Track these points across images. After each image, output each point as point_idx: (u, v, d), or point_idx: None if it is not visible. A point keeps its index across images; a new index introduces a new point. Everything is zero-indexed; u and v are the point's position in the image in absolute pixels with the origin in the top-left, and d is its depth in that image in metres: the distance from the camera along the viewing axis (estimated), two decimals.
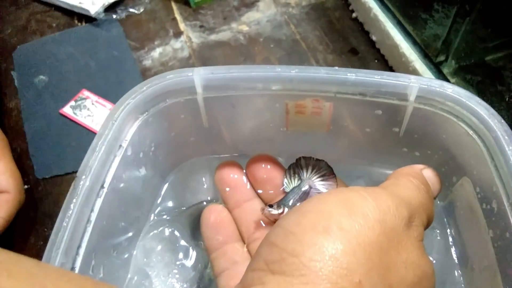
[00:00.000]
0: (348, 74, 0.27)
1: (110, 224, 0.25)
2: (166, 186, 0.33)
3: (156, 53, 0.53)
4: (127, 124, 0.26)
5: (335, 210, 0.19)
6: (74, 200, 0.22)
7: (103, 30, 0.54)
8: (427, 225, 0.23)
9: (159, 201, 0.32)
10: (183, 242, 0.30)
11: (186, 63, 0.53)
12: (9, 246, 0.40)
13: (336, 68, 0.27)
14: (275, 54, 0.53)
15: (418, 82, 0.26)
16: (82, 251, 0.22)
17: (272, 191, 0.31)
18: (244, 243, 0.29)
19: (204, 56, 0.53)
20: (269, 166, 0.31)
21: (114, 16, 0.55)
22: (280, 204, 0.28)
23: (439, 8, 0.45)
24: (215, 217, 0.29)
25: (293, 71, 0.27)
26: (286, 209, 0.28)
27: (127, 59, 0.52)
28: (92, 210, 0.23)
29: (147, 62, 0.52)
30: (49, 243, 0.21)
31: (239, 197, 0.30)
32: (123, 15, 0.56)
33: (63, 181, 0.42)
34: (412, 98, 0.27)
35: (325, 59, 0.53)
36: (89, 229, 0.23)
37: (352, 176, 0.33)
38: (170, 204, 0.32)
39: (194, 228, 0.31)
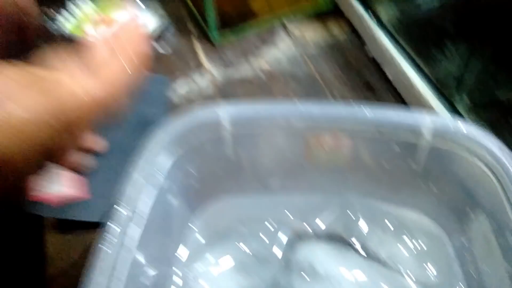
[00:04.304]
0: (367, 112, 0.29)
1: (145, 249, 0.27)
2: (195, 219, 0.34)
3: (182, 90, 0.57)
4: (160, 156, 0.28)
5: None
6: (115, 226, 0.24)
7: (148, 85, 0.56)
8: None
9: (187, 233, 0.34)
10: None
11: (210, 98, 0.56)
12: None
13: (355, 106, 0.29)
14: (294, 90, 0.56)
15: (434, 120, 0.28)
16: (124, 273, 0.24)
17: None
18: None
19: (226, 92, 0.56)
20: None
21: None
22: None
23: (452, 48, 0.47)
24: None
25: (315, 108, 0.29)
26: None
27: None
28: (124, 236, 0.25)
29: (174, 98, 0.55)
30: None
31: None
32: (151, 54, 0.60)
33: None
34: (428, 135, 0.29)
35: (342, 95, 0.55)
36: (124, 251, 0.24)
37: (376, 215, 0.34)
38: (198, 238, 0.34)
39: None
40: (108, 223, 0.24)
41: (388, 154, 0.31)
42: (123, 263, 0.24)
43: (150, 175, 0.27)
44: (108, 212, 0.25)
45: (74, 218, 0.37)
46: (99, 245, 0.23)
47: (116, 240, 0.24)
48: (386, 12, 0.55)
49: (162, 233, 0.30)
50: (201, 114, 0.29)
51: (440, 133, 0.29)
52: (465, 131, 0.28)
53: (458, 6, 0.48)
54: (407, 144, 0.30)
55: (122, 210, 0.25)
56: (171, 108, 0.53)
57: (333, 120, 0.29)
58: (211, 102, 0.56)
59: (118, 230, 0.24)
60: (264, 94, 0.56)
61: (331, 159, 0.32)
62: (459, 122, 0.28)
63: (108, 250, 0.23)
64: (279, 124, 0.30)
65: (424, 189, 0.33)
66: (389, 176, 0.33)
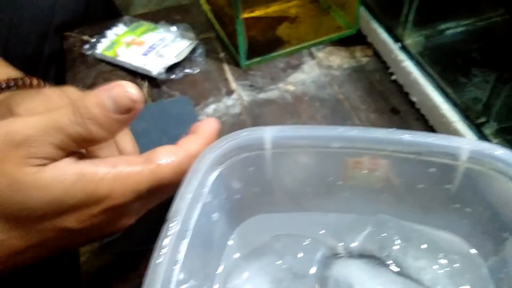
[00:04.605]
0: (404, 135, 0.30)
1: (189, 265, 0.28)
2: (232, 236, 0.35)
3: (211, 109, 0.58)
4: (208, 174, 0.29)
5: None
6: (167, 241, 0.25)
7: (175, 107, 0.58)
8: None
9: (225, 249, 0.35)
10: None
11: (238, 118, 0.57)
12: None
13: (393, 129, 0.30)
14: (320, 112, 0.57)
15: (470, 144, 0.29)
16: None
17: None
18: None
19: (254, 112, 0.58)
20: None
21: (173, 76, 0.61)
22: None
23: (477, 73, 0.48)
24: None
25: (354, 132, 0.30)
26: None
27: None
28: (177, 252, 0.26)
29: (202, 117, 0.57)
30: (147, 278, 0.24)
31: None
32: (181, 75, 0.62)
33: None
34: (464, 158, 0.30)
35: (368, 117, 0.56)
36: (176, 267, 0.25)
37: (410, 236, 0.34)
38: (235, 255, 0.35)
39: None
40: (161, 237, 0.25)
41: (423, 176, 0.32)
42: (174, 277, 0.25)
43: (197, 191, 0.28)
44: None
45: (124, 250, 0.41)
46: (153, 259, 0.25)
47: (168, 254, 0.25)
48: (410, 37, 0.56)
49: (203, 249, 0.31)
50: (246, 134, 0.31)
51: (476, 156, 0.29)
52: (499, 154, 0.29)
53: (483, 32, 0.49)
54: (442, 166, 0.31)
55: (173, 225, 0.26)
56: None
57: (372, 143, 0.30)
58: (238, 122, 0.58)
59: (170, 244, 0.25)
60: (290, 115, 0.57)
61: (367, 180, 0.33)
62: (494, 146, 0.29)
63: (161, 260, 0.25)
64: (318, 147, 0.31)
65: (458, 211, 0.33)
66: (423, 198, 0.34)
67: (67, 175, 0.24)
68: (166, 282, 0.24)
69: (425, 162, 0.31)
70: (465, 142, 0.29)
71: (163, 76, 0.60)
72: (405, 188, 0.33)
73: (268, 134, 0.31)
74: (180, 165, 0.28)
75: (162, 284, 0.24)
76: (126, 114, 0.25)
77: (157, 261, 0.24)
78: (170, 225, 0.26)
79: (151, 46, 0.61)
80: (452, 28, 0.52)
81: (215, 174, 0.30)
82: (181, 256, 0.26)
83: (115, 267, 0.43)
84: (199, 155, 0.29)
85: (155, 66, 0.60)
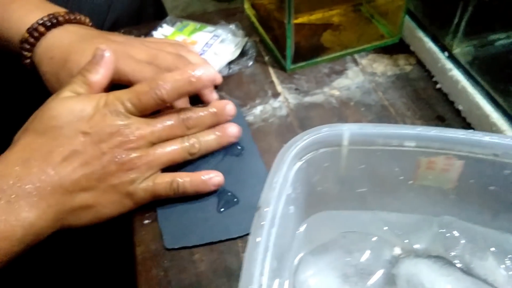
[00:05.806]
0: (484, 137, 0.30)
1: (273, 254, 0.29)
2: (301, 229, 0.36)
3: (257, 110, 0.59)
4: (290, 167, 0.30)
5: None
6: (262, 226, 0.26)
7: None
8: None
9: (295, 243, 0.35)
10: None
11: (285, 120, 0.58)
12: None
13: (471, 130, 0.31)
14: (366, 117, 0.58)
15: None
16: (266, 272, 0.25)
17: None
18: None
19: (300, 115, 0.59)
20: None
21: (224, 74, 0.62)
22: None
23: None
24: None
25: (433, 132, 0.31)
26: None
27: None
28: (269, 240, 0.27)
29: (250, 118, 0.58)
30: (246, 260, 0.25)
31: None
32: (231, 72, 0.63)
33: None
34: None
35: (414, 124, 0.57)
36: (268, 254, 0.26)
37: (476, 238, 0.35)
38: (303, 250, 0.36)
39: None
40: (255, 222, 0.26)
41: (496, 178, 0.33)
42: (267, 262, 0.26)
43: (283, 182, 0.29)
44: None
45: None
46: (250, 242, 0.25)
47: (264, 239, 0.26)
48: (459, 47, 0.57)
49: (281, 241, 0.32)
50: (326, 130, 0.31)
51: None
52: None
53: None
54: None
55: (267, 210, 0.27)
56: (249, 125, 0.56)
57: (449, 143, 0.31)
58: (285, 124, 0.59)
59: (264, 230, 0.26)
60: (336, 118, 0.58)
61: (437, 181, 0.34)
62: None
63: (258, 242, 0.25)
64: (394, 145, 0.32)
65: None
66: (493, 200, 0.34)
67: (78, 96, 0.39)
68: (261, 267, 0.25)
69: (500, 163, 0.31)
70: None
71: (224, 74, 0.61)
72: (475, 189, 0.34)
73: (347, 130, 0.32)
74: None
75: (258, 269, 0.25)
76: (98, 65, 0.41)
77: (257, 240, 0.25)
78: (264, 210, 0.27)
79: (206, 45, 0.63)
80: (503, 39, 0.53)
81: (295, 167, 0.31)
82: (271, 244, 0.27)
83: (172, 260, 0.44)
84: (285, 146, 0.30)
85: (215, 65, 0.61)
